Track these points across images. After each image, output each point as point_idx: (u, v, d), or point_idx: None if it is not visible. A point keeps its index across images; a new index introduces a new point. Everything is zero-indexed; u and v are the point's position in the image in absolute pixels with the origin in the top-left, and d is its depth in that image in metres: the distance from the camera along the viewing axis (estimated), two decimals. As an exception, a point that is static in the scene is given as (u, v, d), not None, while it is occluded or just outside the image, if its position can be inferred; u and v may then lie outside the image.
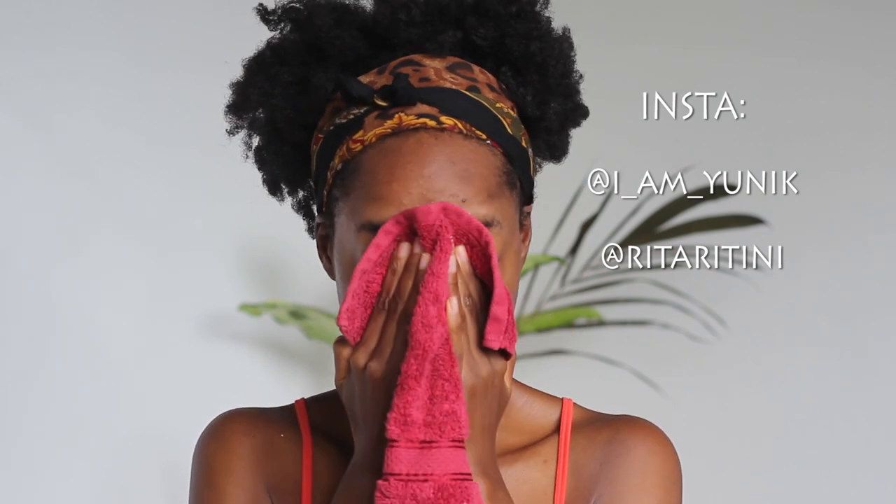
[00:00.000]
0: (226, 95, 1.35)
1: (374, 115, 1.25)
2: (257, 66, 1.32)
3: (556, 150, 1.35)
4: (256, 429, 1.35)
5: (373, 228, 1.23)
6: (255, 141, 1.36)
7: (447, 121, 1.25)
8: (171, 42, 3.06)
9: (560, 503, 1.30)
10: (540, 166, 1.37)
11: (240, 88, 1.33)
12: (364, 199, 1.24)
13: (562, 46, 1.32)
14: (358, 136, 1.26)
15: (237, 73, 1.35)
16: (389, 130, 1.25)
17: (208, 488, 1.33)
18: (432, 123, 1.24)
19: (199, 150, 3.07)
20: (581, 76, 1.34)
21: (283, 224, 2.99)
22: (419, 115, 1.25)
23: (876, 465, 3.24)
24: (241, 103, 1.33)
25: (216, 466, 1.34)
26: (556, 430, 1.33)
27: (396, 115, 1.25)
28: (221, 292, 3.08)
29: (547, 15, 1.32)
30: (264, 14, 1.33)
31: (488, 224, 1.24)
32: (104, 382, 2.94)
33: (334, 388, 1.39)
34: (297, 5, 1.31)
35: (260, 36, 1.37)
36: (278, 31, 1.32)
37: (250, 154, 1.36)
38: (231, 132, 1.35)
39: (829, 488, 3.26)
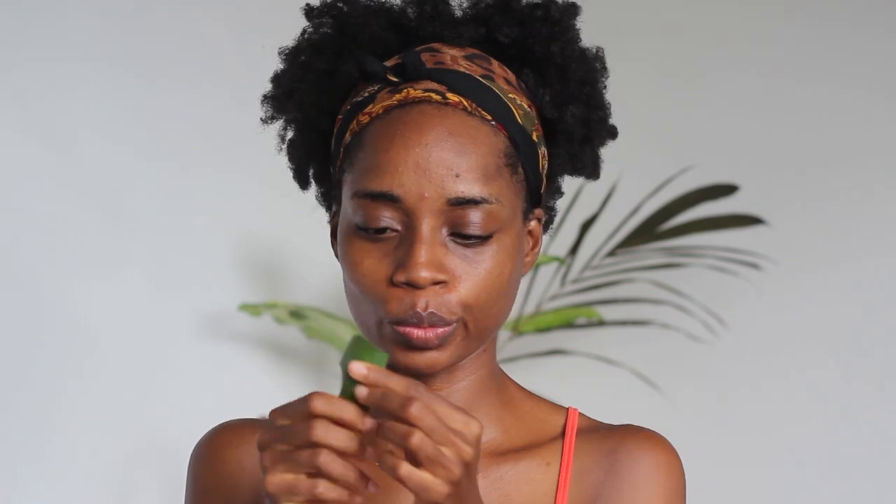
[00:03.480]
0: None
1: (386, 90, 1.29)
2: (293, 56, 1.35)
3: (577, 162, 1.36)
4: (243, 440, 1.36)
5: (366, 195, 1.25)
6: (289, 134, 1.38)
7: (452, 97, 1.27)
8: (171, 42, 3.07)
9: None
10: (561, 179, 1.38)
11: (276, 77, 1.36)
12: (363, 168, 1.26)
13: (585, 54, 1.34)
14: (367, 109, 1.29)
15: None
16: (396, 102, 1.27)
17: None
18: (437, 98, 1.27)
19: (199, 149, 3.07)
20: (605, 85, 1.36)
21: (283, 224, 3.00)
22: (426, 90, 1.27)
23: (876, 465, 3.24)
24: (275, 91, 1.36)
25: (203, 484, 1.35)
26: (561, 435, 1.34)
27: (405, 90, 1.28)
28: (221, 292, 3.08)
29: (575, 25, 1.34)
30: (310, 12, 1.35)
31: (482, 200, 1.25)
32: (104, 382, 2.94)
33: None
34: (339, 3, 1.34)
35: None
36: (313, 26, 1.35)
37: (283, 148, 1.39)
38: (265, 121, 1.37)
39: (829, 488, 3.26)
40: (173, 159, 3.05)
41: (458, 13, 1.35)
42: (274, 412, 1.14)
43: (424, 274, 1.23)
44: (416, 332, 1.24)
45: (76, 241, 2.93)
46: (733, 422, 3.31)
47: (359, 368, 1.12)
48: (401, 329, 1.24)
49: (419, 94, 1.27)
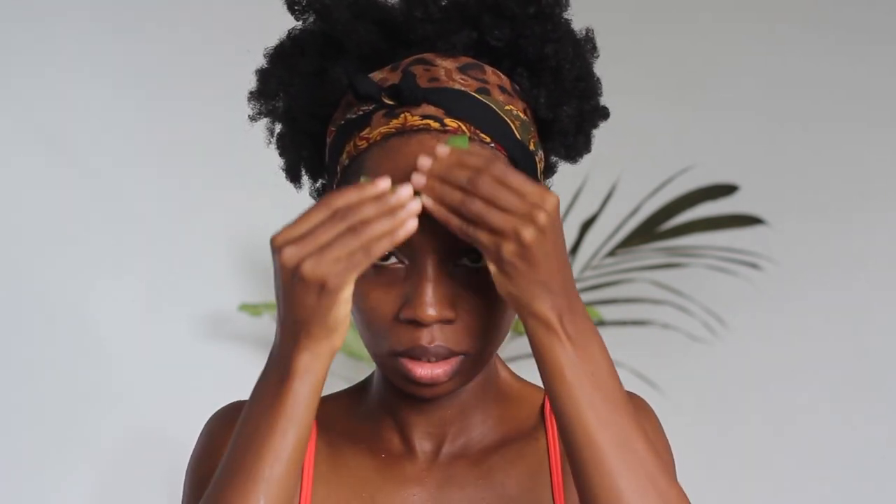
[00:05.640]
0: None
1: (381, 113, 1.26)
2: (278, 56, 1.34)
3: (572, 151, 1.35)
4: None
5: None
6: (278, 128, 1.37)
7: (451, 123, 1.25)
8: (172, 42, 3.07)
9: (556, 474, 1.31)
10: (556, 164, 1.37)
11: (262, 76, 1.35)
12: None
13: (579, 49, 1.33)
14: (365, 133, 1.27)
15: (253, 62, 1.37)
16: (394, 130, 1.25)
17: (209, 460, 1.35)
18: (436, 125, 1.25)
19: (199, 150, 3.07)
20: (595, 60, 1.35)
21: (282, 224, 3.00)
22: (424, 116, 1.25)
23: (876, 465, 3.24)
24: (262, 90, 1.35)
25: (207, 454, 1.36)
26: (541, 411, 1.36)
27: (402, 115, 1.25)
28: (221, 292, 3.08)
29: (566, 17, 1.33)
30: (291, 5, 1.34)
31: None
32: (104, 382, 2.94)
33: (338, 390, 1.40)
34: None
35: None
36: (300, 23, 1.34)
37: (273, 141, 1.38)
38: (253, 118, 1.37)
39: (829, 488, 3.26)
40: (173, 160, 3.05)
41: (437, 12, 1.32)
42: (286, 233, 1.18)
43: (431, 312, 1.22)
44: (421, 372, 1.24)
45: (78, 242, 2.93)
46: (733, 422, 3.31)
47: (443, 150, 1.19)
48: (407, 363, 1.24)
49: (417, 121, 1.25)
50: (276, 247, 1.18)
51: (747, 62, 3.41)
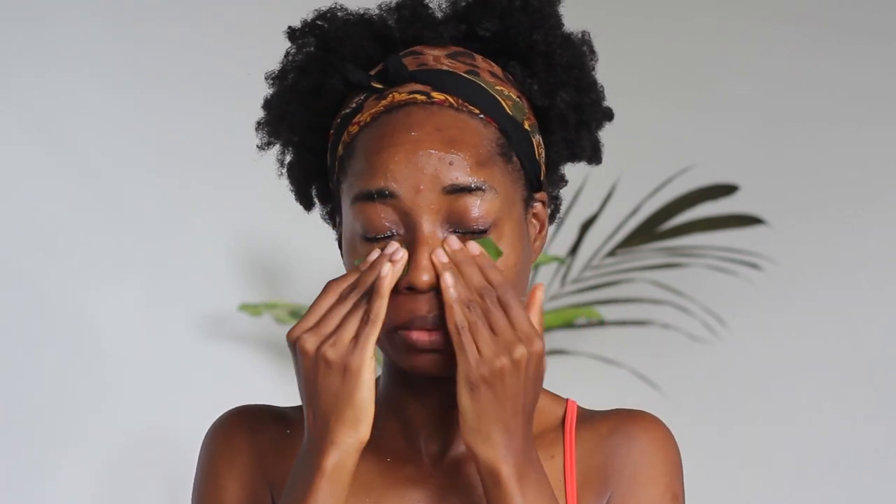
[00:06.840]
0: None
1: (372, 98, 1.28)
2: (280, 79, 1.35)
3: (575, 148, 1.36)
4: (262, 425, 1.37)
5: (362, 197, 1.25)
6: (287, 157, 1.38)
7: (438, 96, 1.27)
8: (172, 42, 3.07)
9: (571, 495, 1.30)
10: (563, 167, 1.37)
11: (266, 103, 1.36)
12: (356, 174, 1.26)
13: (569, 40, 1.33)
14: (356, 118, 1.28)
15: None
16: (382, 108, 1.27)
17: (208, 480, 1.35)
18: (422, 98, 1.27)
19: (199, 150, 3.07)
20: (594, 68, 1.35)
21: (283, 224, 3.00)
22: (411, 92, 1.27)
23: (876, 465, 3.24)
24: (267, 117, 1.36)
25: (218, 460, 1.35)
26: (561, 426, 1.34)
27: (390, 95, 1.27)
28: (221, 292, 3.08)
29: (557, 12, 1.33)
30: (292, 35, 1.35)
31: (476, 188, 1.24)
32: (103, 383, 2.94)
33: None
34: (319, 22, 1.34)
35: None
36: (296, 47, 1.35)
37: (283, 172, 1.39)
38: (262, 147, 1.38)
39: (829, 487, 3.26)
40: (173, 160, 3.05)
41: (438, 15, 1.34)
42: (300, 325, 1.23)
43: (426, 278, 1.22)
44: (420, 337, 1.24)
45: (78, 242, 2.93)
46: (733, 422, 3.31)
47: (474, 246, 1.22)
48: (406, 333, 1.24)
49: (404, 96, 1.27)
50: (294, 338, 1.22)
51: (747, 62, 3.41)
